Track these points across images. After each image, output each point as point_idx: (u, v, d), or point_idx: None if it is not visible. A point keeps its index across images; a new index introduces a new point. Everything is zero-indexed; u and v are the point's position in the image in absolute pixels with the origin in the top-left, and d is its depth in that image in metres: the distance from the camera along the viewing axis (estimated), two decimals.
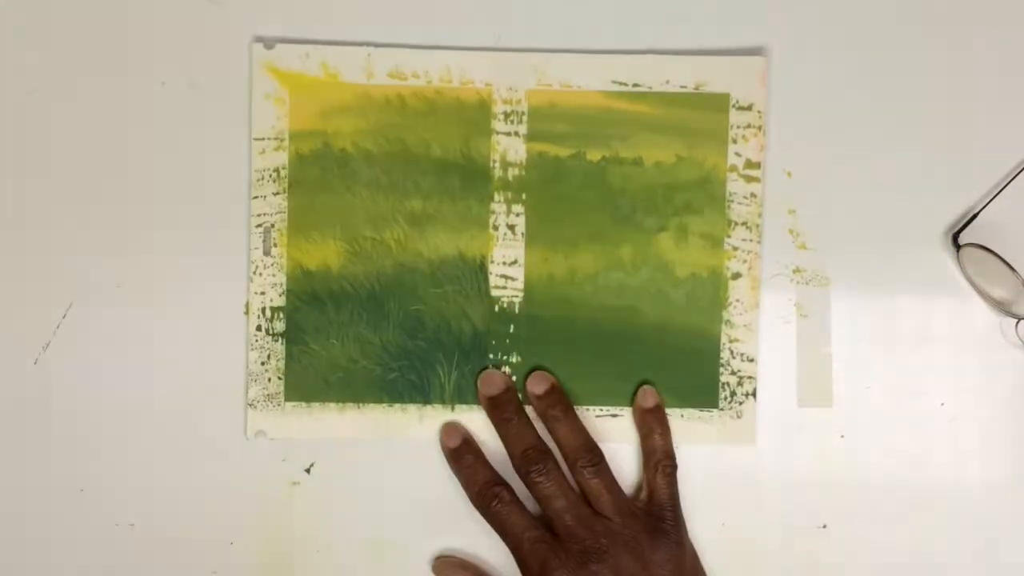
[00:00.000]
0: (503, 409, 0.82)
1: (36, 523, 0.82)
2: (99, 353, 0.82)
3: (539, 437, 0.81)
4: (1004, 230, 0.82)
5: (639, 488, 0.83)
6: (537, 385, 0.82)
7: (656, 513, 0.80)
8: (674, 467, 0.82)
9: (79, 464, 0.82)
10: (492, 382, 0.83)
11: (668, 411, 0.83)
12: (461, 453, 0.82)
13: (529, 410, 0.83)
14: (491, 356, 0.83)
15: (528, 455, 0.80)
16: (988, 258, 0.80)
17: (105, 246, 0.82)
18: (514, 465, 0.81)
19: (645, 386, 0.83)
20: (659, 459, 0.82)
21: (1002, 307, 0.83)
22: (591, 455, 0.81)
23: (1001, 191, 0.82)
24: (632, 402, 0.84)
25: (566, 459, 0.81)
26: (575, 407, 0.83)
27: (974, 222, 0.82)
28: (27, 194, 0.82)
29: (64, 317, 0.82)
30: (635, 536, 0.79)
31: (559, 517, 0.79)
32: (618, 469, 0.82)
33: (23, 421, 0.82)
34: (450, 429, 0.83)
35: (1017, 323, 0.83)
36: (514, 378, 0.83)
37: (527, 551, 0.78)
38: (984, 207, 0.82)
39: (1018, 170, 0.83)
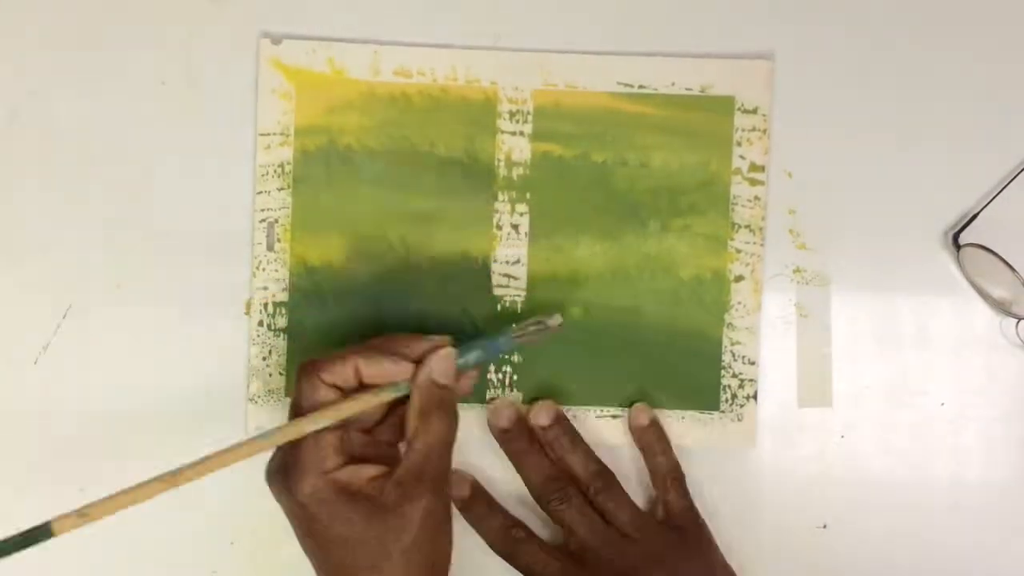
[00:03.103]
0: (517, 440, 0.81)
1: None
2: (99, 353, 0.82)
3: (554, 465, 0.81)
4: (1004, 230, 0.82)
5: (655, 503, 0.83)
6: (542, 417, 0.81)
7: (677, 525, 0.81)
8: (682, 477, 0.82)
9: (79, 464, 0.82)
10: (502, 415, 0.82)
11: (669, 413, 0.83)
12: (471, 505, 0.81)
13: None
14: None
15: (548, 485, 0.80)
16: (988, 258, 0.81)
17: (105, 246, 0.82)
18: (534, 495, 0.81)
19: (637, 404, 0.83)
20: (666, 473, 0.82)
21: (1002, 307, 0.83)
22: (602, 479, 0.81)
23: (1001, 191, 0.83)
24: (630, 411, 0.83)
25: (580, 489, 0.81)
26: (576, 407, 0.83)
27: (974, 222, 0.82)
28: (27, 194, 0.82)
29: (64, 317, 0.82)
30: (662, 552, 0.79)
31: (586, 543, 0.79)
32: (624, 470, 0.83)
33: (23, 421, 0.82)
34: (457, 480, 0.82)
35: (1017, 323, 0.83)
36: (520, 397, 0.83)
37: None
38: (984, 207, 0.83)
39: (1018, 170, 0.83)
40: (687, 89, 0.83)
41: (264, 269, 0.82)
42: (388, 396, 0.71)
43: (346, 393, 0.71)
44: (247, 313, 0.82)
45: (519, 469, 0.81)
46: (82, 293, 0.82)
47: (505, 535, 0.80)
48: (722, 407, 0.84)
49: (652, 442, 0.82)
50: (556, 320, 0.77)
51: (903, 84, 0.84)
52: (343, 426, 0.70)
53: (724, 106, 0.83)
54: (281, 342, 0.82)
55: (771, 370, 0.84)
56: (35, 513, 0.80)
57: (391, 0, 0.83)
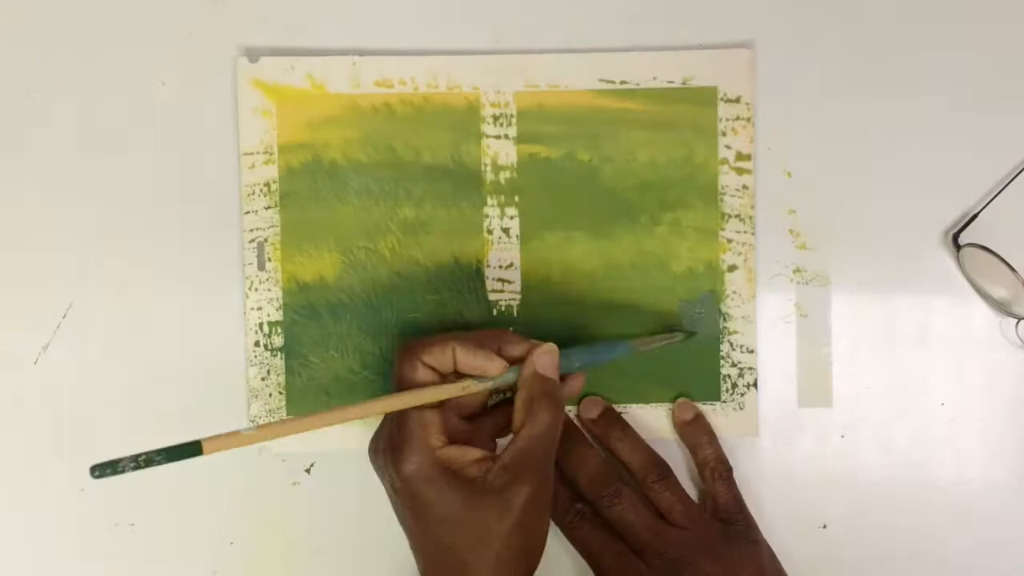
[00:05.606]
0: (564, 439, 0.78)
1: (36, 523, 0.83)
2: (99, 353, 0.82)
3: (602, 463, 0.81)
4: (1004, 230, 0.81)
5: (703, 498, 0.83)
6: (590, 410, 0.82)
7: (726, 518, 0.81)
8: (730, 469, 0.82)
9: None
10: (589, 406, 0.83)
11: (670, 406, 0.83)
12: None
13: None
14: None
15: (598, 484, 0.80)
16: (988, 258, 0.80)
17: (105, 246, 0.82)
18: (587, 495, 0.81)
19: (682, 399, 0.83)
20: (713, 467, 0.82)
21: (1002, 307, 0.82)
22: (659, 469, 0.81)
23: (1001, 191, 0.82)
24: (673, 405, 0.84)
25: (634, 476, 0.81)
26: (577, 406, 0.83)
27: (974, 222, 0.81)
28: (27, 194, 0.82)
29: (64, 317, 0.82)
30: (712, 543, 0.79)
31: (637, 534, 0.79)
32: None
33: (23, 421, 0.82)
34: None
35: (1017, 323, 0.82)
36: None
37: (609, 564, 0.79)
38: (984, 207, 0.82)
39: (1018, 170, 0.82)
40: (669, 82, 0.82)
41: (257, 289, 0.82)
42: (486, 386, 0.74)
43: (444, 377, 0.73)
44: (245, 314, 0.82)
45: (566, 467, 0.81)
46: (82, 293, 0.82)
47: (569, 507, 0.81)
48: (723, 397, 0.83)
49: (698, 434, 0.83)
50: (678, 336, 0.82)
51: (901, 83, 0.83)
52: (446, 409, 0.73)
53: (707, 97, 0.82)
54: (279, 361, 0.82)
55: (771, 370, 0.83)
56: (35, 513, 0.82)
57: (369, 11, 0.82)
